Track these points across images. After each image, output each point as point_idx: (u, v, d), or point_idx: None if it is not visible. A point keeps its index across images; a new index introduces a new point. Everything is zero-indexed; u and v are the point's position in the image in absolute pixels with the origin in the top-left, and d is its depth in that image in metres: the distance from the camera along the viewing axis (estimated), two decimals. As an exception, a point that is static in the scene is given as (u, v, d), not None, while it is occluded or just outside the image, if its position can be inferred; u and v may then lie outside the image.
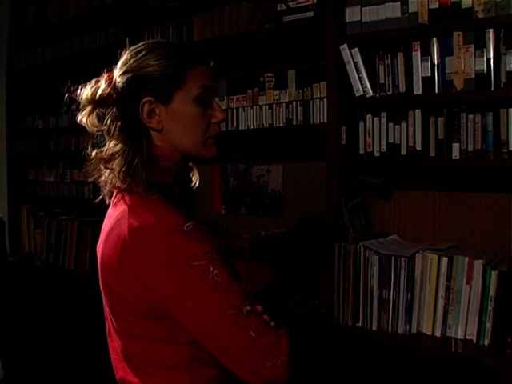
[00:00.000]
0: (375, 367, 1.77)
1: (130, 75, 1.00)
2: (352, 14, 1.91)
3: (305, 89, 2.13)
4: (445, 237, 1.97)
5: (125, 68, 1.01)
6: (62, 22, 2.99)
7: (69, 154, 3.03)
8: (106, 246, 0.99)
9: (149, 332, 0.96)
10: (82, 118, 1.02)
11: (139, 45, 1.05)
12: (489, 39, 1.65)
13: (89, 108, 1.01)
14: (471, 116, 1.71)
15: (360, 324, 1.87)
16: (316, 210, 2.33)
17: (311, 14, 2.01)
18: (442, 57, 1.75)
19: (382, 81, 1.87)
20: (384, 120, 1.88)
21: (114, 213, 1.00)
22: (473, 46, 1.68)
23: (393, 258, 1.82)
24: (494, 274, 1.66)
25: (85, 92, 1.01)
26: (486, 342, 1.66)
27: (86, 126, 1.02)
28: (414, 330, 1.78)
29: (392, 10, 1.83)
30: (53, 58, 3.05)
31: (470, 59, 1.69)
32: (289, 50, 2.18)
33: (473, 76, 1.69)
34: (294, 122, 2.12)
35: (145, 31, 2.54)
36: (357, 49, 1.89)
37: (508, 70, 1.63)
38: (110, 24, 2.74)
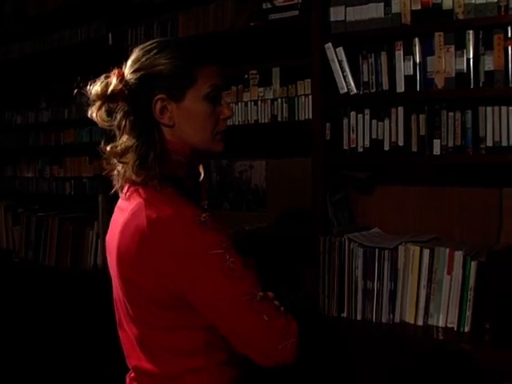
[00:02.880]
0: (361, 355, 1.83)
1: (142, 72, 1.03)
2: (336, 13, 1.96)
3: (289, 86, 2.17)
4: (425, 230, 2.05)
5: (137, 65, 1.04)
6: (41, 16, 2.96)
7: (49, 149, 3.01)
8: (123, 237, 1.01)
9: (167, 320, 1.00)
10: (92, 112, 1.05)
11: (150, 43, 1.07)
12: (469, 40, 1.73)
13: (98, 103, 1.03)
14: (451, 113, 1.79)
15: (345, 314, 1.93)
16: (298, 204, 2.37)
17: (296, 12, 2.05)
18: (423, 56, 1.81)
19: (365, 79, 1.93)
20: (367, 117, 1.94)
21: (129, 205, 1.03)
22: (453, 46, 1.75)
23: (377, 250, 1.88)
24: (473, 265, 1.74)
25: (94, 87, 1.03)
26: (467, 330, 1.74)
27: (96, 120, 1.05)
28: (397, 319, 1.85)
29: (375, 11, 1.89)
30: (32, 52, 3.02)
31: (450, 59, 1.76)
32: (273, 48, 2.22)
33: (453, 75, 1.77)
34: (280, 119, 2.17)
35: (128, 27, 2.54)
36: (341, 48, 1.94)
37: (487, 69, 1.71)
38: (91, 19, 2.73)
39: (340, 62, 1.95)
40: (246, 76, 2.27)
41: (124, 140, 1.03)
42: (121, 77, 1.03)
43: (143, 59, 1.04)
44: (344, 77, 1.95)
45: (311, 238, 2.03)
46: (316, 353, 1.85)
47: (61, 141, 2.92)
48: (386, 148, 1.91)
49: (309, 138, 2.04)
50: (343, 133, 1.98)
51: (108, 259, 1.14)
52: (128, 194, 1.05)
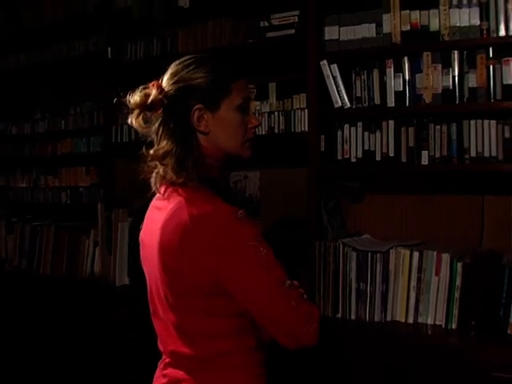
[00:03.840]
0: (355, 353, 1.94)
1: (181, 85, 1.14)
2: (331, 32, 2.10)
3: (285, 100, 2.30)
4: (412, 235, 2.17)
5: (176, 78, 1.15)
6: (39, 28, 3.02)
7: (44, 160, 3.06)
8: (165, 232, 1.11)
9: (205, 306, 1.10)
10: (132, 120, 1.15)
11: (187, 58, 1.18)
12: (454, 59, 1.89)
13: (137, 111, 1.14)
14: (438, 126, 1.94)
15: (340, 315, 2.04)
16: (292, 212, 2.48)
17: (293, 31, 2.19)
18: (412, 73, 1.97)
19: (358, 94, 2.07)
20: (360, 129, 2.08)
21: (168, 204, 1.13)
22: (440, 64, 1.91)
23: (369, 253, 2.01)
24: (459, 266, 1.87)
25: (134, 97, 1.14)
26: (454, 326, 1.87)
27: (135, 127, 1.15)
28: (389, 318, 1.97)
29: (368, 31, 2.03)
30: (28, 63, 3.08)
31: (437, 76, 1.92)
32: (270, 63, 2.34)
33: (440, 91, 1.92)
34: (276, 131, 2.29)
35: (128, 41, 2.64)
36: (335, 64, 2.08)
37: (470, 86, 1.87)
38: (90, 33, 2.82)
39: (334, 78, 2.09)
40: (244, 90, 2.38)
41: (163, 145, 1.13)
42: (160, 88, 1.14)
43: (182, 73, 1.15)
44: (338, 92, 2.09)
45: (306, 243, 2.15)
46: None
47: (57, 151, 2.98)
48: (378, 158, 2.04)
49: (304, 149, 2.16)
50: (337, 144, 2.12)
51: (142, 254, 1.23)
52: (166, 194, 1.15)
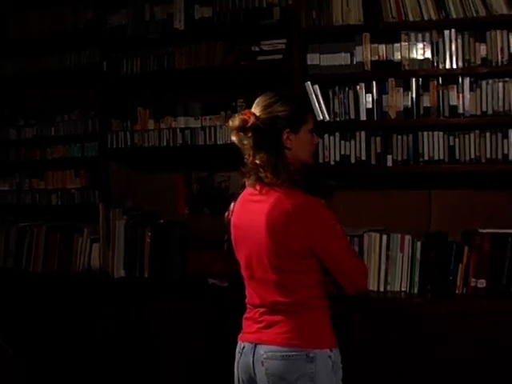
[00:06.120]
0: (338, 317, 2.42)
1: (273, 114, 1.58)
2: (312, 58, 2.58)
3: (273, 113, 2.73)
4: (375, 224, 2.70)
5: (269, 110, 1.58)
6: (26, 40, 3.18)
7: (32, 164, 3.24)
8: (270, 217, 1.54)
9: (302, 266, 1.55)
10: (232, 137, 1.59)
11: (272, 95, 1.62)
12: (412, 84, 2.44)
13: (235, 131, 1.57)
14: (400, 136, 2.48)
15: (324, 288, 2.51)
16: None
17: (280, 56, 2.64)
18: (380, 94, 2.49)
19: (336, 110, 2.56)
20: (338, 138, 2.57)
21: (268, 198, 1.55)
22: (402, 88, 2.45)
23: (348, 237, 2.49)
24: (418, 244, 2.43)
25: (234, 121, 1.57)
26: (415, 291, 2.41)
27: (235, 141, 1.57)
28: (365, 289, 2.48)
29: (343, 59, 2.53)
30: (15, 72, 3.23)
31: (399, 97, 2.46)
32: (259, 82, 2.76)
33: (401, 109, 2.46)
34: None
35: (123, 56, 2.92)
36: (317, 85, 2.56)
37: (425, 105, 2.43)
38: (82, 46, 3.04)
39: (316, 96, 2.57)
40: (234, 103, 2.79)
41: (261, 156, 1.56)
42: (256, 116, 1.56)
43: (274, 106, 1.59)
44: (319, 107, 2.57)
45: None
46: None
47: (47, 156, 3.17)
48: (353, 161, 2.55)
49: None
50: (318, 150, 2.59)
51: (238, 234, 1.67)
52: (264, 191, 1.57)
